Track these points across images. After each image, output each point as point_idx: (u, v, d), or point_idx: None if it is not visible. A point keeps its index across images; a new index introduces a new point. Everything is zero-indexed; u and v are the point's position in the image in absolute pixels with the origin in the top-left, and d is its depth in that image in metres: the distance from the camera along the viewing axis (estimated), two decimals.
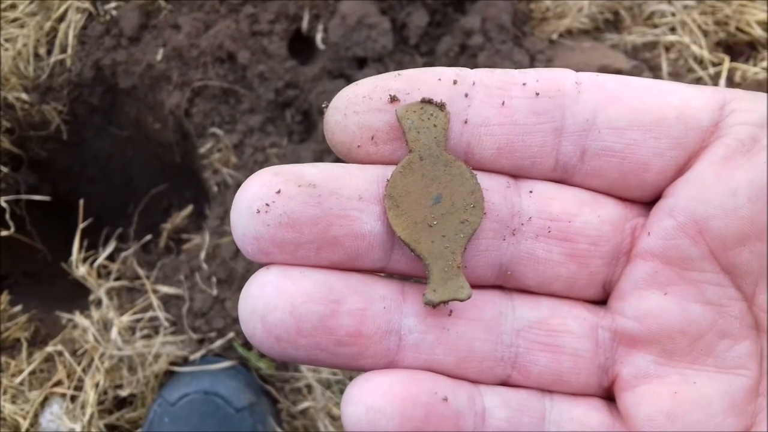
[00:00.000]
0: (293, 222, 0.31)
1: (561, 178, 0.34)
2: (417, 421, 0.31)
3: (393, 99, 0.32)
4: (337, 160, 0.34)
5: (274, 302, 0.30)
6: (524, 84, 0.33)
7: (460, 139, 0.33)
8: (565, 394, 0.35)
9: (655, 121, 0.32)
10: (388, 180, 0.32)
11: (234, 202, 0.31)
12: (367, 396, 0.31)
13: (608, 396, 0.35)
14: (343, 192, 0.31)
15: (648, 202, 0.34)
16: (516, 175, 0.34)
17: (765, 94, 0.33)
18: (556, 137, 0.33)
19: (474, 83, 0.33)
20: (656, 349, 0.33)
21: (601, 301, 0.35)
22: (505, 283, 0.35)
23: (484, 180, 0.33)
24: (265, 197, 0.30)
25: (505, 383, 0.34)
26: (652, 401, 0.33)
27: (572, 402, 0.34)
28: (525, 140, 0.33)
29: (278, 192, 0.31)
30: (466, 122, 0.33)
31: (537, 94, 0.33)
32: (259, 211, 0.30)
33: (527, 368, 0.34)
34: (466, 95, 0.33)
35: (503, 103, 0.33)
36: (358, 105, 0.32)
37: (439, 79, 0.33)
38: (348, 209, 0.31)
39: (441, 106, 0.32)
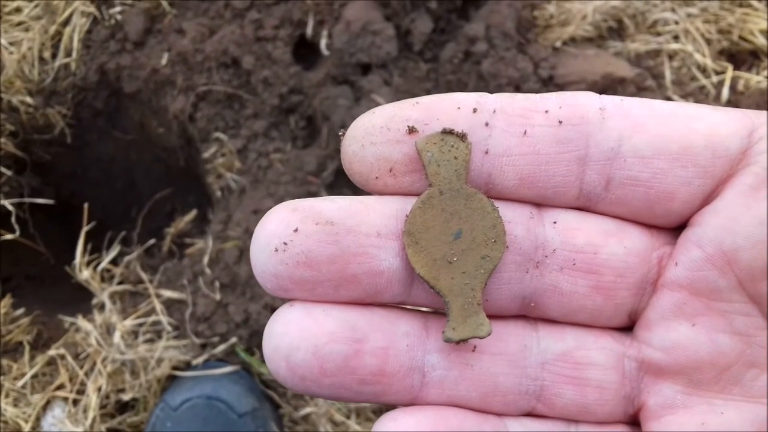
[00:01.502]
0: (310, 261, 0.30)
1: (584, 206, 0.34)
2: None
3: (411, 130, 0.32)
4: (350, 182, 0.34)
5: (297, 342, 0.31)
6: (546, 111, 0.32)
7: (481, 170, 0.32)
8: (591, 422, 0.35)
9: (682, 149, 0.32)
10: (407, 215, 0.32)
11: (253, 238, 0.31)
12: None
13: (634, 421, 0.35)
14: (360, 229, 0.31)
15: (674, 228, 0.34)
16: (538, 203, 0.34)
17: None
18: (580, 166, 0.32)
19: (494, 111, 0.32)
20: (683, 380, 0.33)
21: (627, 327, 0.35)
22: (529, 314, 0.34)
23: (507, 211, 0.33)
24: (283, 235, 0.30)
25: (529, 414, 0.34)
26: None
27: (598, 431, 0.34)
28: (548, 170, 0.32)
29: (296, 230, 0.30)
30: (486, 152, 0.32)
31: (560, 122, 0.32)
32: (277, 250, 0.30)
33: (552, 401, 0.34)
34: (487, 124, 0.32)
35: (525, 132, 0.32)
36: (375, 136, 0.32)
37: (459, 108, 0.32)
38: (366, 246, 0.31)
39: (462, 137, 0.32)
